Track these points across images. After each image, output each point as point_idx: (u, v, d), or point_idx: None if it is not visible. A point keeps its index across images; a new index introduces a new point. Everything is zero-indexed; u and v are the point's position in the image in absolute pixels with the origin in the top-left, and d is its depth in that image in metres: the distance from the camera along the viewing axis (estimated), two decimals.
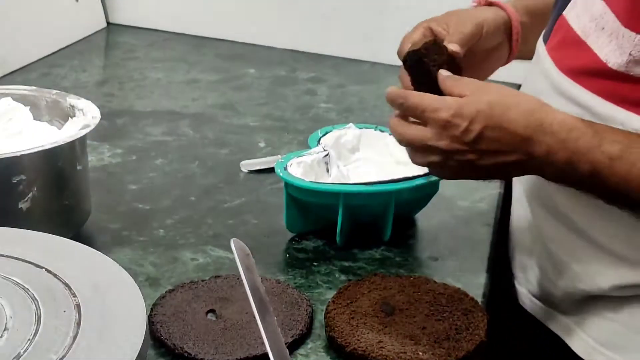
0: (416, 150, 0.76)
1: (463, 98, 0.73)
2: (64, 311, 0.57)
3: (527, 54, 0.95)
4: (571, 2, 0.83)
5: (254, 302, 0.66)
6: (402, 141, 0.77)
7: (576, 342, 0.86)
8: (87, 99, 1.31)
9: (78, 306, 0.57)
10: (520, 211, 0.92)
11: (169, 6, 1.69)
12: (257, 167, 1.10)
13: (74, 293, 0.59)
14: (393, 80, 1.43)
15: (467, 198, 1.04)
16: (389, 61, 1.53)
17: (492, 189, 1.07)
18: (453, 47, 0.82)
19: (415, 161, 0.77)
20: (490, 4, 0.92)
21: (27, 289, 0.59)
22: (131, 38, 1.66)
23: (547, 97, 0.84)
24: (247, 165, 1.11)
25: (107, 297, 0.59)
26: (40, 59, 1.49)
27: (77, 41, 1.61)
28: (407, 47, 0.84)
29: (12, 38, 1.43)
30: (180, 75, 1.46)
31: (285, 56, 1.57)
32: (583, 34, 0.79)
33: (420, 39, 0.86)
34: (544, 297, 0.90)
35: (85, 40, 1.63)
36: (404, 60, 0.80)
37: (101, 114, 1.26)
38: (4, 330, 0.55)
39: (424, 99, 0.74)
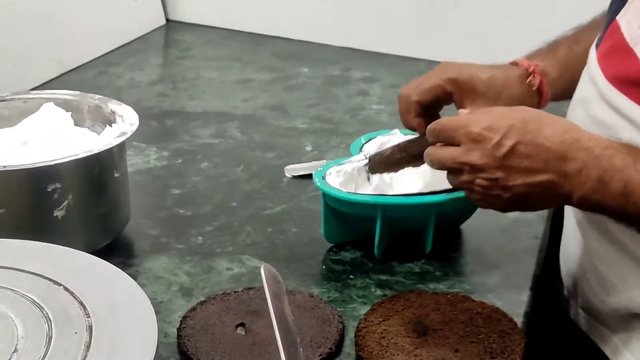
0: (449, 170, 0.73)
1: (495, 115, 0.70)
2: (76, 333, 0.56)
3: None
4: (625, 6, 0.79)
5: (280, 334, 0.63)
6: (434, 163, 0.74)
7: (606, 342, 0.83)
8: (140, 98, 1.34)
9: (90, 328, 0.57)
10: (571, 229, 0.88)
11: (227, 3, 1.69)
12: (301, 173, 1.08)
13: (88, 313, 0.58)
14: None
15: None
16: (445, 59, 1.48)
17: None
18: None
19: (450, 183, 0.74)
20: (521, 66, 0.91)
21: (42, 307, 0.59)
22: (189, 35, 1.66)
23: (593, 104, 0.80)
24: (291, 170, 1.09)
25: (121, 318, 0.58)
26: (97, 58, 1.51)
27: (136, 39, 1.62)
28: (414, 96, 0.88)
29: (70, 37, 1.45)
30: (233, 75, 1.46)
31: (340, 54, 1.55)
32: (632, 42, 0.75)
33: (431, 98, 0.88)
34: (593, 312, 0.87)
35: (143, 38, 1.64)
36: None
37: (152, 115, 1.28)
38: (14, 352, 0.54)
39: (455, 119, 0.72)
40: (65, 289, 0.61)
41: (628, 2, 0.79)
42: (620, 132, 0.76)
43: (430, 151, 0.75)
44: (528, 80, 0.91)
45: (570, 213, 0.89)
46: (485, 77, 0.88)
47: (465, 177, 0.71)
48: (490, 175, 0.70)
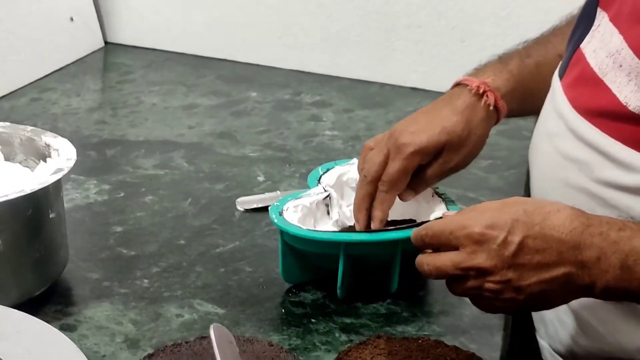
0: (451, 278, 0.65)
1: (493, 211, 0.64)
2: None
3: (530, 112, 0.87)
4: (589, 34, 0.74)
5: None
6: (433, 273, 0.65)
7: None
8: (78, 127, 1.26)
9: None
10: None
11: (169, 24, 1.61)
12: (254, 206, 1.01)
13: None
14: (402, 103, 1.37)
15: None
16: (398, 82, 1.44)
17: None
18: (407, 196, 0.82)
19: (453, 292, 0.66)
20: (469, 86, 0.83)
21: None
22: (129, 59, 1.58)
23: (561, 138, 0.75)
24: (243, 203, 1.02)
25: None
26: (31, 83, 1.42)
27: (72, 62, 1.53)
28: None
29: (2, 60, 1.36)
30: (177, 100, 1.38)
31: (290, 77, 1.48)
32: (600, 72, 0.70)
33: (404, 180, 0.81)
34: (566, 353, 0.82)
35: (80, 62, 1.55)
36: None
37: (91, 145, 1.20)
38: None
39: (448, 221, 0.65)
40: None
41: (592, 29, 0.75)
42: (593, 167, 0.72)
43: (425, 260, 0.66)
44: (483, 101, 0.83)
45: None
46: (439, 129, 0.80)
47: (472, 283, 0.63)
48: (500, 278, 0.62)
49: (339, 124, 1.30)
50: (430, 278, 0.68)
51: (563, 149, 0.75)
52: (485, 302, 0.65)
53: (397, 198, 0.83)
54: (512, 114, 0.88)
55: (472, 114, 0.82)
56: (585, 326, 0.76)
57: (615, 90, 0.69)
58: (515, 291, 0.63)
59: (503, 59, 0.88)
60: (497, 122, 0.86)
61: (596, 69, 0.72)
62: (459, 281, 0.65)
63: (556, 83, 0.79)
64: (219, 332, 0.60)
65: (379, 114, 1.33)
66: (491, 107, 0.83)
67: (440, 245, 0.65)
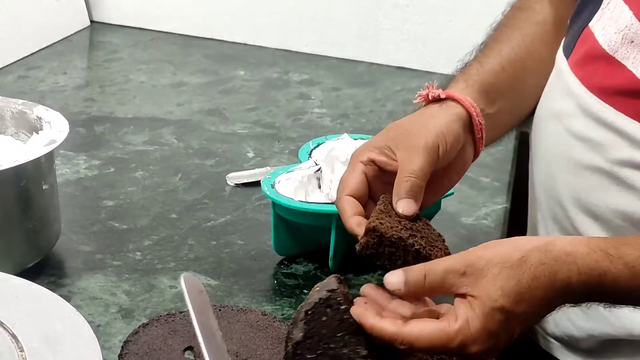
0: None
1: (475, 313, 0.58)
2: None
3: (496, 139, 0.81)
4: (598, 11, 0.75)
5: (209, 356, 0.56)
6: None
7: None
8: (66, 104, 1.26)
9: None
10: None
11: (155, 4, 1.61)
12: (244, 181, 1.02)
13: (22, 347, 0.51)
14: (390, 82, 1.38)
15: (472, 214, 0.97)
16: (385, 61, 1.45)
17: (497, 203, 0.99)
18: (402, 207, 0.67)
19: None
20: (440, 100, 0.73)
21: None
22: (115, 37, 1.57)
23: (571, 118, 0.75)
24: (234, 178, 1.02)
25: (59, 350, 0.51)
26: (17, 61, 1.41)
27: (58, 41, 1.53)
28: (345, 194, 0.69)
29: None
30: (165, 78, 1.38)
31: (277, 56, 1.49)
32: (610, 49, 0.70)
33: (358, 183, 0.69)
34: (562, 335, 0.83)
35: (66, 40, 1.54)
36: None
37: (79, 121, 1.20)
38: None
39: (433, 338, 0.58)
40: None
41: (602, 7, 0.74)
42: (609, 146, 0.72)
43: None
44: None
45: (543, 228, 0.84)
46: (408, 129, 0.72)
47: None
48: (508, 337, 0.59)
49: (327, 102, 1.30)
50: None
51: (574, 129, 0.75)
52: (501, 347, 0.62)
53: None
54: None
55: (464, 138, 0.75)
56: (590, 308, 0.74)
57: (630, 67, 0.69)
58: (522, 330, 0.60)
59: (462, 70, 0.81)
60: (476, 150, 0.76)
61: (605, 47, 0.72)
62: None
63: (562, 63, 0.78)
64: (190, 281, 0.60)
65: (367, 92, 1.34)
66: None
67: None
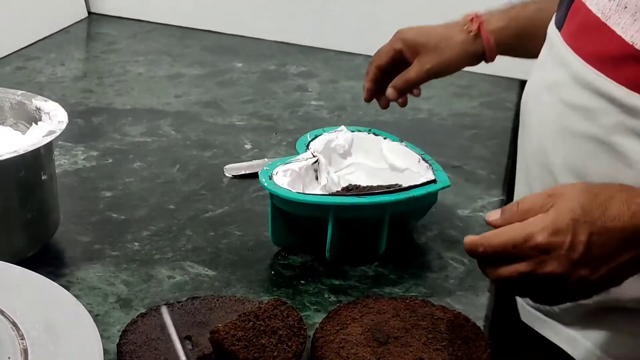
0: (519, 286, 0.66)
1: (549, 212, 0.63)
2: (9, 358, 0.49)
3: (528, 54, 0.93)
4: None
5: None
6: (499, 281, 0.66)
7: (582, 354, 0.81)
8: (64, 95, 1.26)
9: (25, 351, 0.50)
10: None
11: None
12: (242, 172, 1.02)
13: (22, 335, 0.51)
14: None
15: (468, 206, 0.97)
16: None
17: (493, 196, 1.00)
18: (390, 92, 0.98)
19: (521, 296, 0.68)
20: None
21: None
22: (113, 29, 1.58)
23: (565, 88, 0.77)
24: (231, 169, 1.03)
25: (60, 339, 0.51)
26: (15, 52, 1.41)
27: (56, 32, 1.53)
28: (374, 62, 1.00)
29: None
30: (163, 70, 1.38)
31: (275, 49, 1.49)
32: (603, 16, 0.72)
33: (387, 60, 0.99)
34: (544, 308, 0.84)
35: (64, 31, 1.55)
36: None
37: (77, 112, 1.20)
38: None
39: (508, 233, 0.64)
40: None
41: None
42: (599, 114, 0.74)
43: (489, 271, 0.66)
44: (465, 26, 0.97)
45: None
46: (426, 31, 0.98)
47: (545, 288, 0.65)
48: (575, 278, 0.63)
49: (324, 94, 1.31)
50: (498, 286, 0.71)
51: (567, 98, 0.77)
52: (564, 297, 0.66)
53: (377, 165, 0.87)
54: (506, 50, 0.98)
55: (452, 33, 0.98)
56: None
57: (620, 32, 0.70)
58: (590, 283, 0.64)
59: (511, 3, 1.00)
60: (487, 53, 0.97)
61: (599, 14, 0.73)
62: (528, 288, 0.65)
63: (554, 35, 0.80)
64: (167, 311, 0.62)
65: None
66: (471, 33, 0.97)
67: (502, 258, 0.65)
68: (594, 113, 0.74)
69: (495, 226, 0.66)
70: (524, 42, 0.94)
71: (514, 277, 0.64)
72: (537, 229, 0.63)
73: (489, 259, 0.65)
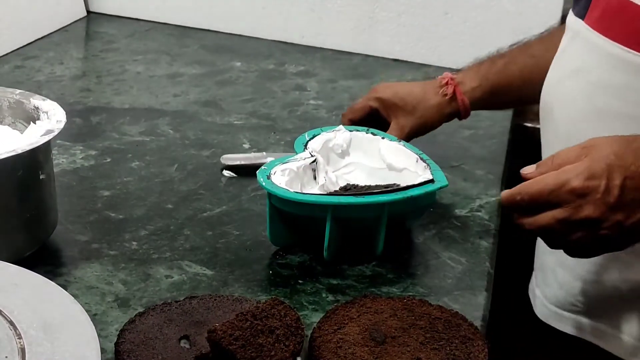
0: (556, 234, 0.68)
1: (584, 160, 0.66)
2: (6, 357, 0.49)
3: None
4: None
5: None
6: (535, 230, 0.69)
7: (614, 344, 0.83)
8: (62, 94, 1.26)
9: (22, 350, 0.50)
10: None
11: None
12: (238, 163, 1.02)
13: (20, 334, 0.51)
14: (385, 75, 1.39)
15: (466, 206, 0.97)
16: (381, 54, 1.46)
17: (491, 196, 1.00)
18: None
19: (553, 246, 0.70)
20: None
21: None
22: (112, 28, 1.58)
23: (594, 71, 0.79)
24: (227, 159, 1.03)
25: (58, 338, 0.52)
26: (14, 51, 1.41)
27: (55, 31, 1.53)
28: (348, 115, 1.02)
29: None
30: (161, 69, 1.38)
31: (273, 48, 1.49)
32: None
33: (362, 115, 1.01)
34: (565, 303, 0.85)
35: (63, 30, 1.55)
36: None
37: (76, 111, 1.20)
38: None
39: (544, 181, 0.67)
40: None
41: None
42: (631, 89, 0.75)
43: (525, 222, 0.69)
44: (441, 90, 1.00)
45: None
46: (403, 93, 1.00)
47: (580, 234, 0.67)
48: (610, 223, 0.66)
49: (323, 93, 1.31)
50: (536, 235, 0.72)
51: (597, 80, 0.79)
52: (597, 246, 0.68)
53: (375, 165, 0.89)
54: (484, 106, 1.03)
55: (428, 95, 1.01)
56: (609, 263, 0.80)
57: None
58: (626, 229, 0.66)
59: (479, 60, 1.04)
60: (462, 112, 1.01)
61: None
62: (563, 236, 0.67)
63: (576, 24, 0.82)
64: None
65: (363, 84, 1.34)
66: (447, 96, 1.00)
67: (539, 206, 0.67)
68: (624, 90, 0.75)
69: (530, 178, 0.68)
70: (497, 97, 1.00)
71: (551, 224, 0.66)
72: (572, 175, 0.65)
73: (526, 209, 0.68)
